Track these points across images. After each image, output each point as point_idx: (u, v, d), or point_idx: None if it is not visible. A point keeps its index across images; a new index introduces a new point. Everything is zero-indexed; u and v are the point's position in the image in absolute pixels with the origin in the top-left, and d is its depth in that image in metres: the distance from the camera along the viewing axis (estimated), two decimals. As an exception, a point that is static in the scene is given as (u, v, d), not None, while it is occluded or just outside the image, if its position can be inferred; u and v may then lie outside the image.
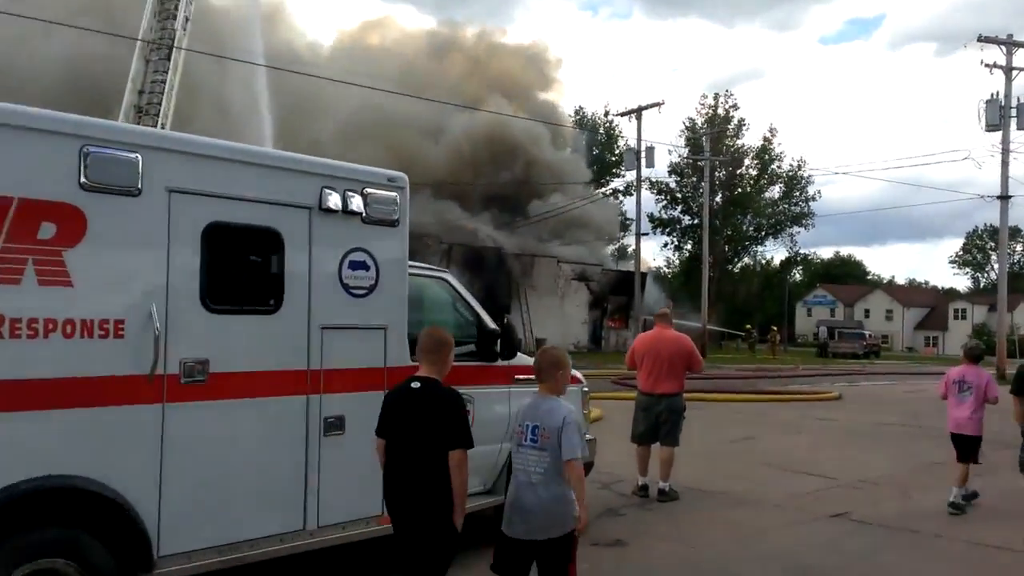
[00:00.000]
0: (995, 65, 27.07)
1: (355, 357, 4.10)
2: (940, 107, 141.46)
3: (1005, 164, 27.25)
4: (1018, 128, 27.24)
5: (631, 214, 59.48)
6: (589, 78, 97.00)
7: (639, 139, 37.55)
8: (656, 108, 37.08)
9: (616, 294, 41.68)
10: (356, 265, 4.03)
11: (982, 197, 28.34)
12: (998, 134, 27.29)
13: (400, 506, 3.49)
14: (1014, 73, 27.20)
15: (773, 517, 6.60)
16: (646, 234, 42.76)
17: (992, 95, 27.32)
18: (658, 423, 7.36)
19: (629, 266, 44.46)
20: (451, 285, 5.43)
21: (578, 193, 42.16)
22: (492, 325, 5.33)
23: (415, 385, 3.52)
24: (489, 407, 5.21)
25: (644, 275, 43.70)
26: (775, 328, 47.41)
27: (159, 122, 17.46)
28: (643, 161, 37.39)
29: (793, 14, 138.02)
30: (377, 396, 4.04)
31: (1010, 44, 27.32)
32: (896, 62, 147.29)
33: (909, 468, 8.83)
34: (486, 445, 5.19)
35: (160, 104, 17.69)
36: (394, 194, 4.23)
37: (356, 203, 3.98)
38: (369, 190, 4.11)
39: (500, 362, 5.31)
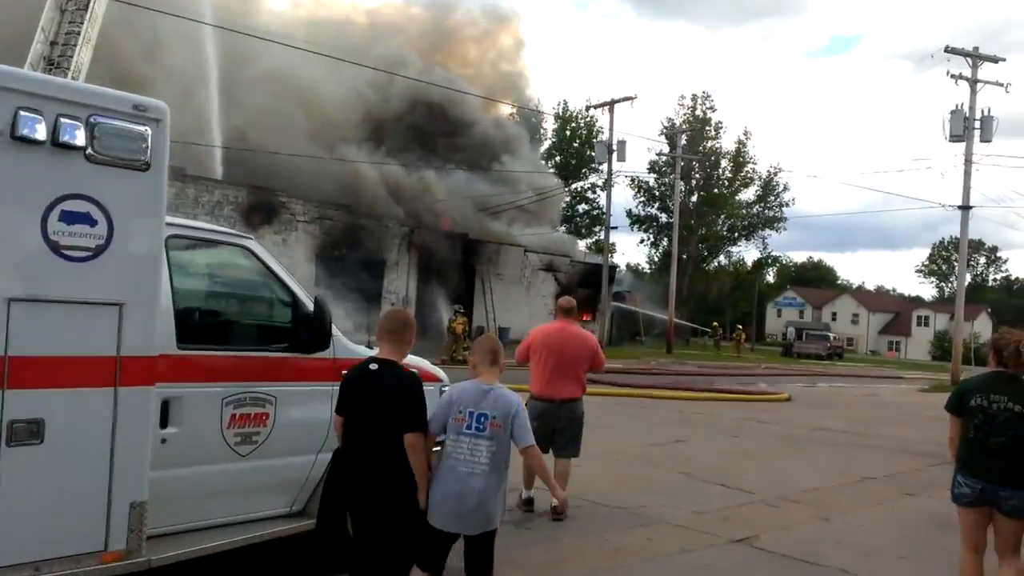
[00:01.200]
0: (961, 76, 26.79)
1: (67, 342, 3.03)
2: (913, 121, 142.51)
3: (967, 175, 26.96)
4: (981, 140, 27.02)
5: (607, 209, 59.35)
6: (578, 74, 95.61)
7: (611, 131, 36.87)
8: (629, 102, 36.41)
9: (584, 286, 40.88)
10: (73, 218, 2.93)
11: (943, 206, 28.19)
12: (962, 145, 27.00)
13: (358, 487, 3.51)
14: (979, 85, 26.86)
15: (668, 541, 5.77)
16: (615, 227, 41.99)
17: (957, 106, 27.00)
18: (555, 432, 6.29)
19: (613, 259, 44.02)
20: (254, 255, 4.44)
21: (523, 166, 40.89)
22: (311, 307, 4.31)
23: (373, 367, 3.54)
24: (299, 408, 4.25)
25: (613, 268, 43.02)
26: (741, 327, 47.08)
27: (70, 75, 16.17)
28: (615, 154, 36.65)
29: (776, 27, 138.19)
30: (104, 393, 3.13)
31: (976, 56, 27.02)
32: (874, 77, 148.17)
33: (837, 483, 8.07)
34: (294, 456, 4.26)
35: (72, 57, 16.40)
36: (143, 128, 3.14)
37: (75, 134, 2.94)
38: (100, 119, 3.02)
39: (322, 353, 4.31)
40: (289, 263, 30.72)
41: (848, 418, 14.10)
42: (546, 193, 40.15)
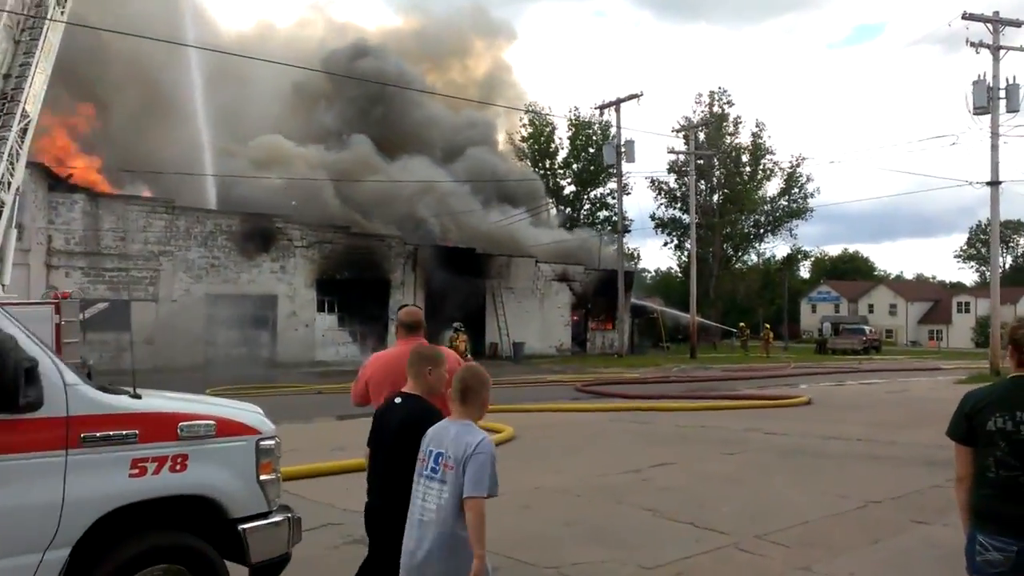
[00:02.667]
0: (981, 44, 24.94)
1: None
2: (941, 104, 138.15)
3: (994, 148, 25.09)
4: (1008, 110, 25.13)
5: (629, 214, 58.01)
6: (598, 83, 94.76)
7: (618, 131, 35.65)
8: (635, 100, 35.22)
9: (602, 294, 39.58)
10: None
11: (971, 184, 26.22)
12: (987, 118, 25.19)
13: (374, 523, 3.56)
14: (1002, 52, 25.03)
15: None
16: (629, 230, 40.63)
17: (979, 76, 25.19)
18: None
19: (641, 265, 42.61)
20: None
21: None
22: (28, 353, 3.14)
23: (397, 400, 3.57)
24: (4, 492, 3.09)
25: (630, 274, 41.60)
26: (768, 326, 45.10)
27: (21, 108, 15.48)
28: (624, 155, 35.40)
29: (798, 20, 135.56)
30: None
31: (996, 21, 25.16)
32: (901, 64, 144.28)
33: (833, 511, 6.67)
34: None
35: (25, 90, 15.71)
36: None
37: None
38: None
39: (43, 412, 3.18)
40: (289, 289, 30.11)
41: (868, 422, 12.57)
42: (524, 179, 38.88)
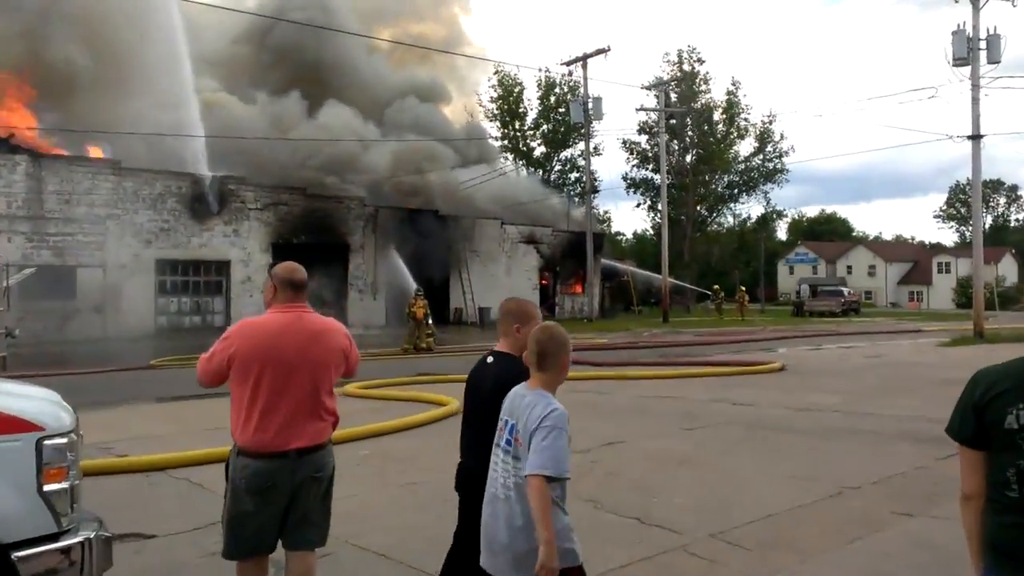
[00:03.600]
0: (960, -9, 23.90)
1: None
2: (918, 62, 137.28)
3: (975, 101, 24.11)
4: (989, 61, 24.15)
5: (601, 176, 56.78)
6: (564, 44, 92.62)
7: (585, 87, 34.29)
8: (603, 55, 33.73)
9: (571, 256, 38.57)
10: None
11: (950, 137, 25.47)
12: (967, 70, 24.25)
13: (467, 485, 3.20)
14: (981, 2, 23.96)
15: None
16: (596, 191, 39.52)
17: (958, 26, 24.15)
18: (288, 511, 3.45)
19: (615, 228, 41.43)
20: None
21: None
22: None
23: (489, 359, 3.28)
24: None
25: (599, 235, 40.61)
26: (743, 288, 44.44)
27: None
28: (591, 112, 34.08)
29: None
30: None
31: (976, -33, 24.02)
32: (874, 22, 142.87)
33: (803, 501, 5.72)
34: None
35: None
36: None
37: None
38: None
39: None
40: (243, 254, 28.70)
41: (846, 390, 11.73)
42: (475, 136, 37.49)
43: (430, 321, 21.70)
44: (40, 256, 24.36)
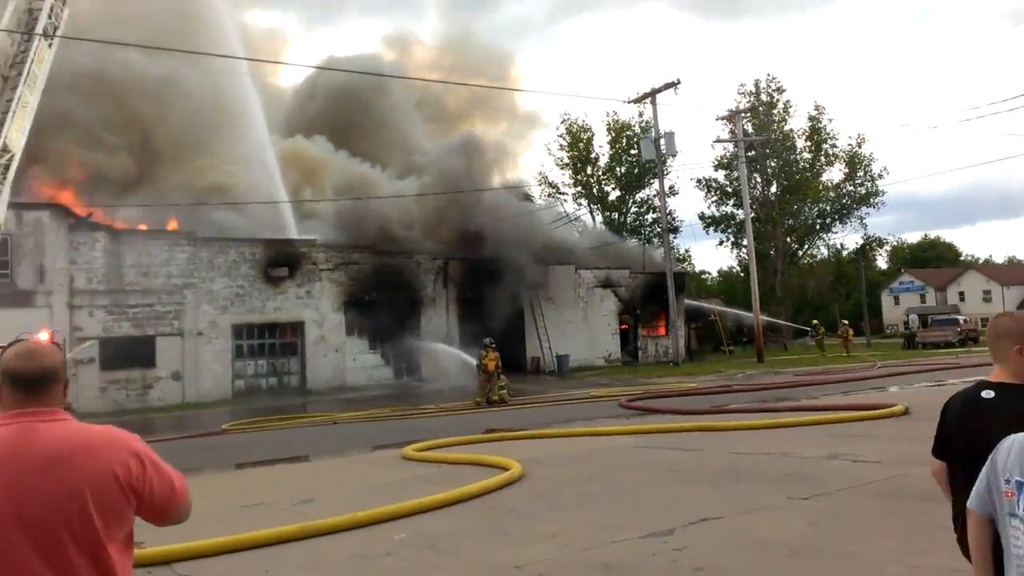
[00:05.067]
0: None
1: None
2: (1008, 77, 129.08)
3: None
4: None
5: (678, 216, 54.82)
6: (631, 85, 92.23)
7: (655, 121, 32.93)
8: (672, 89, 32.36)
9: (652, 298, 36.73)
10: None
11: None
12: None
13: None
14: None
15: None
16: (675, 229, 37.75)
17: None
18: None
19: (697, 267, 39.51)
20: None
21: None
22: None
23: (986, 394, 2.53)
24: None
25: (681, 275, 38.63)
26: (846, 322, 41.11)
27: (1, 142, 14.22)
28: (663, 147, 32.63)
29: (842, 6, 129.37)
30: None
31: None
32: (970, 42, 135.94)
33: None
34: None
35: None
36: None
37: None
38: None
39: None
40: (316, 314, 28.44)
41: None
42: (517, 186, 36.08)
43: (501, 375, 20.43)
44: (121, 328, 24.80)
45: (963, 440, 2.52)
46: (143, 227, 27.12)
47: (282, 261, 27.62)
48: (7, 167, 14.48)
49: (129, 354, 24.66)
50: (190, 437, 16.45)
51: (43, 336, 13.15)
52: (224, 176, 29.30)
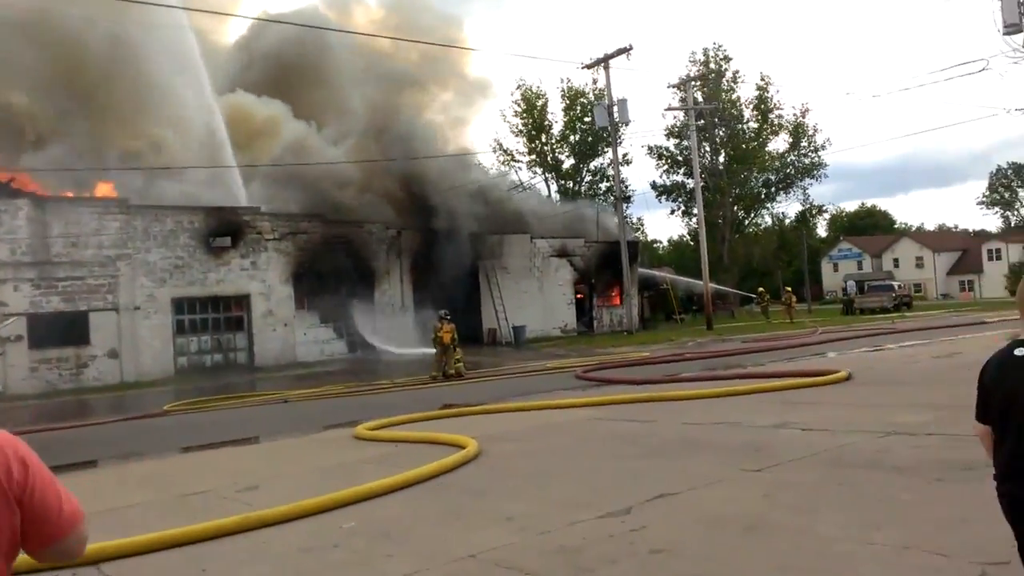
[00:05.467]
0: (1006, -56, 21.94)
1: None
2: (956, 43, 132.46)
3: (1034, 67, 22.02)
4: (1043, 25, 22.15)
5: (631, 185, 55.16)
6: (583, 49, 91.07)
7: (608, 89, 32.80)
8: (625, 55, 32.19)
9: (607, 267, 36.94)
10: None
11: (1006, 111, 23.41)
12: (1021, 37, 22.38)
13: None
14: (1031, -46, 21.99)
15: None
16: (628, 198, 37.93)
17: (1007, -9, 22.20)
18: None
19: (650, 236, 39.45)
20: None
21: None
22: None
23: (1020, 352, 2.57)
24: None
25: (634, 244, 38.90)
26: (788, 289, 42.15)
27: None
28: (615, 114, 32.53)
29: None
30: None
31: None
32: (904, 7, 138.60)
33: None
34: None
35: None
36: None
37: None
38: None
39: None
40: (262, 287, 27.68)
41: (933, 403, 9.86)
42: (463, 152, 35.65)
43: (457, 347, 20.25)
44: (50, 303, 23.67)
45: (1000, 399, 2.58)
46: (70, 194, 25.79)
47: (224, 230, 26.69)
48: None
49: (60, 331, 23.57)
50: (128, 420, 15.81)
51: None
52: (164, 137, 28.02)
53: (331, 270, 27.92)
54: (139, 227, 25.35)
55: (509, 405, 12.82)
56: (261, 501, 7.08)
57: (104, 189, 26.69)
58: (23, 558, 1.90)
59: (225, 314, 27.17)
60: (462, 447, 8.72)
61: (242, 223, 27.22)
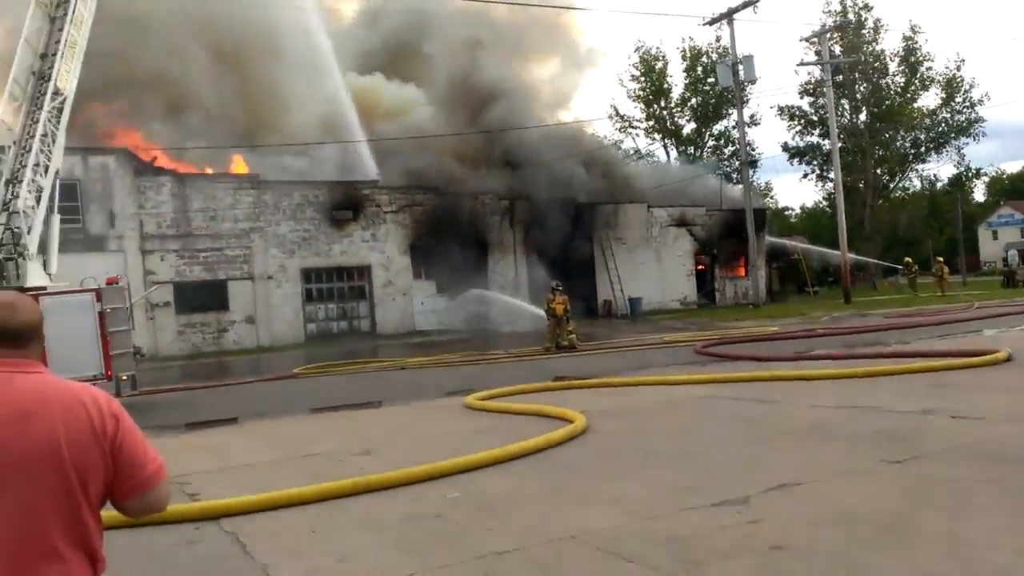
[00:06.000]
0: None
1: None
2: None
3: None
4: None
5: (760, 149, 52.22)
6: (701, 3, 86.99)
7: (732, 44, 30.94)
8: (751, 7, 30.23)
9: (731, 237, 35.33)
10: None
11: None
12: None
13: None
14: None
15: None
16: (755, 163, 35.88)
17: None
18: None
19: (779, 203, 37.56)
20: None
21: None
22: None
23: None
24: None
25: (761, 212, 36.86)
26: (940, 259, 38.56)
27: (52, 86, 14.15)
28: (741, 73, 30.71)
29: None
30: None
31: None
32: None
33: None
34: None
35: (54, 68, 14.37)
36: None
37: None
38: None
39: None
40: (383, 258, 28.49)
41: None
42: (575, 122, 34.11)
43: (569, 319, 19.93)
44: (193, 272, 25.42)
45: None
46: (209, 170, 27.45)
47: (346, 204, 27.62)
48: (60, 110, 14.39)
49: (203, 298, 25.38)
50: (262, 381, 16.77)
51: (103, 282, 13.36)
52: (295, 114, 29.24)
53: (446, 241, 28.28)
54: (269, 201, 26.70)
55: (622, 380, 12.38)
56: (373, 465, 7.19)
57: (238, 166, 28.25)
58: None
59: (349, 284, 28.24)
60: (570, 422, 8.44)
61: (362, 196, 28.06)
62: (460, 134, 29.23)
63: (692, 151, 53.80)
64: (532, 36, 35.69)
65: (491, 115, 30.69)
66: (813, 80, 47.74)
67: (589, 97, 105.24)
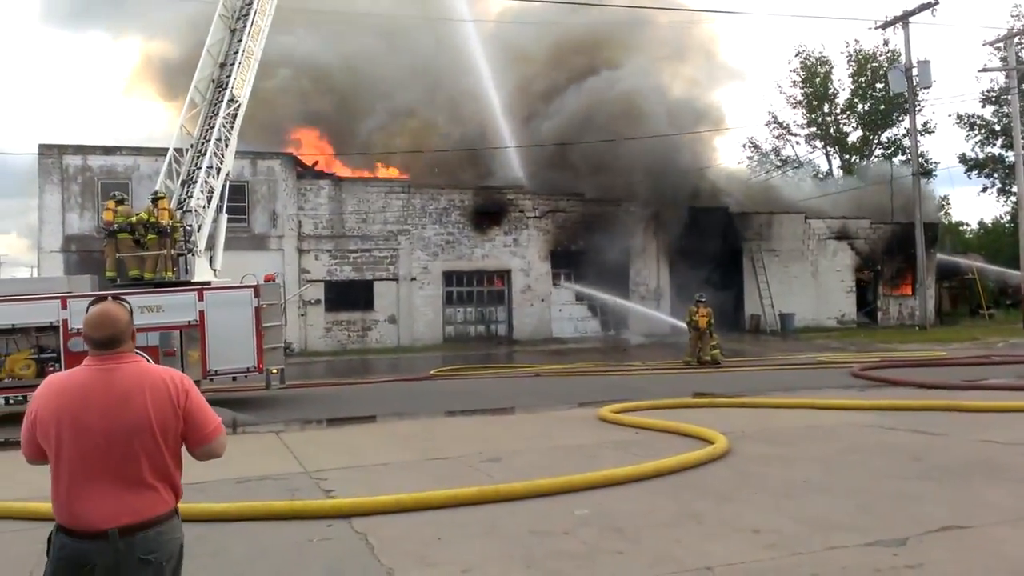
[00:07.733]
0: None
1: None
2: None
3: None
4: None
5: (935, 159, 47.72)
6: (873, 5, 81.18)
7: (907, 49, 28.62)
8: (930, 10, 27.78)
9: (896, 253, 32.65)
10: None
11: None
12: None
13: None
14: None
15: None
16: (929, 173, 32.90)
17: None
18: None
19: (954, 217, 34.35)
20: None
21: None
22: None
23: None
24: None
25: (933, 226, 33.75)
26: None
27: (228, 93, 15.36)
28: (915, 79, 28.34)
29: None
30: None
31: None
32: None
33: None
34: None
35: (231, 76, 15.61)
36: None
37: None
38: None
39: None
40: (523, 263, 28.73)
41: None
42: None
43: (713, 333, 19.11)
44: (343, 272, 26.81)
45: None
46: (366, 174, 28.86)
47: (489, 208, 28.09)
48: (234, 116, 15.50)
49: (350, 297, 26.66)
50: (400, 381, 17.24)
51: (262, 279, 14.08)
52: (441, 117, 30.16)
53: (588, 248, 28.07)
54: (417, 205, 27.68)
55: (769, 400, 11.63)
56: (501, 473, 7.14)
57: (388, 171, 29.55)
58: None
59: (488, 288, 28.68)
60: (710, 442, 7.99)
61: (505, 201, 28.44)
62: (606, 141, 28.90)
63: (857, 159, 50.20)
64: (683, 42, 34.78)
65: (639, 118, 30.15)
66: (996, 87, 43.18)
67: (744, 103, 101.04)
